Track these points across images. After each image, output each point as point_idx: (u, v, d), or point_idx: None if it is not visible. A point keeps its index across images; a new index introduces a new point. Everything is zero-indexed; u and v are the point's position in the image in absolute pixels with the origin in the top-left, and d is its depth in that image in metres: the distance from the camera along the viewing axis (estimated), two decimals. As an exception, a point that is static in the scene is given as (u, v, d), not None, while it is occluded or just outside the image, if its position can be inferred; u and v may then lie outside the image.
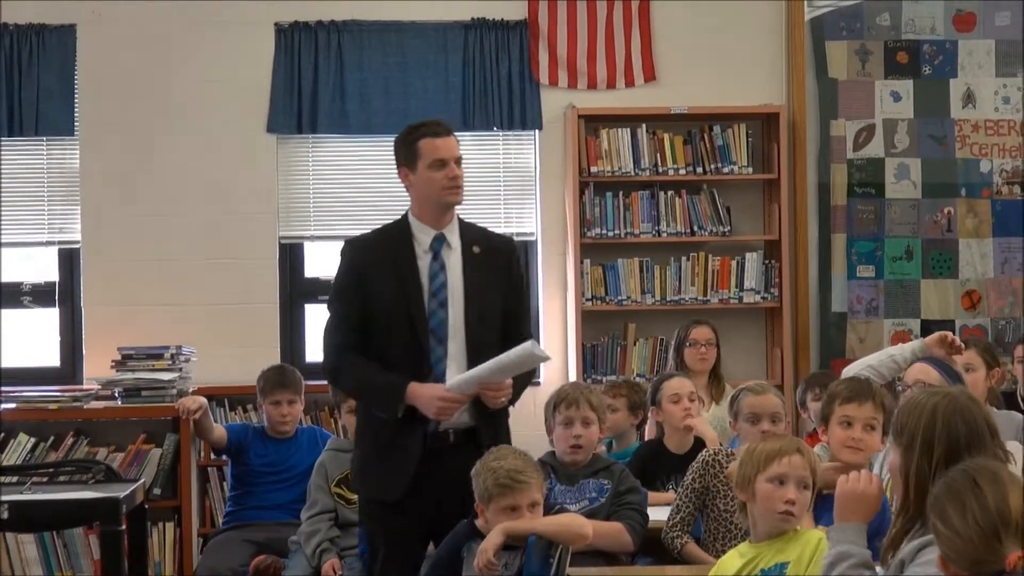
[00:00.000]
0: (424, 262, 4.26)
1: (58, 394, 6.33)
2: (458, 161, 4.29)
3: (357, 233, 4.52)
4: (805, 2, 7.05)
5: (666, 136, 6.90)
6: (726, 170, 6.91)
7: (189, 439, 6.23)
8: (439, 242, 4.29)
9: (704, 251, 6.91)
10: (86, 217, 6.82)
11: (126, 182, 6.82)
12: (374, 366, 4.22)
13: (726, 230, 6.91)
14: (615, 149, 6.86)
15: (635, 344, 6.90)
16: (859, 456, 4.08)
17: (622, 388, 5.68)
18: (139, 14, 6.81)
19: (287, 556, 5.58)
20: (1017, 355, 6.24)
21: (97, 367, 6.58)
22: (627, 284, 6.87)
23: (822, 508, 3.72)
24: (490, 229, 4.51)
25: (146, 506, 5.22)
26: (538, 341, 6.70)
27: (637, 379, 6.48)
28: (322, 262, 6.93)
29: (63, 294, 6.89)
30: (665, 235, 6.87)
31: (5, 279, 6.85)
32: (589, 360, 6.86)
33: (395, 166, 4.36)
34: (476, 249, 4.31)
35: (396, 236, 4.32)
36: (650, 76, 7.03)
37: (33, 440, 6.34)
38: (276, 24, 6.86)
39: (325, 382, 5.24)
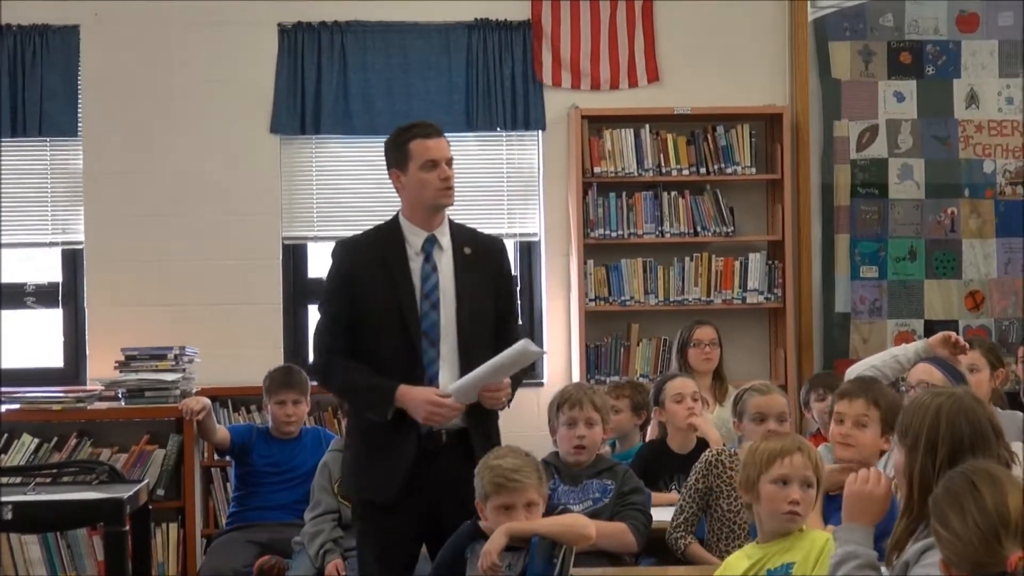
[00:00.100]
0: (416, 264, 4.26)
1: (62, 395, 6.33)
2: (449, 162, 4.29)
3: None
4: (808, 2, 7.04)
5: (669, 137, 6.90)
6: (729, 170, 6.91)
7: (192, 440, 6.23)
8: (431, 244, 4.28)
9: (707, 251, 6.91)
10: (89, 218, 6.82)
11: (129, 183, 6.82)
12: (364, 368, 4.21)
13: (729, 230, 6.91)
14: (618, 150, 6.86)
15: (638, 345, 6.90)
16: (850, 452, 4.10)
17: (625, 389, 5.68)
18: (143, 15, 6.81)
19: (291, 557, 5.58)
20: (1021, 355, 6.23)
21: (101, 368, 6.58)
22: (630, 284, 6.87)
23: (831, 508, 3.72)
24: (479, 230, 4.50)
25: (150, 507, 5.21)
26: (541, 342, 6.74)
27: (640, 379, 6.48)
28: (325, 263, 6.89)
29: (67, 295, 6.89)
30: (668, 236, 6.87)
31: (9, 280, 6.85)
32: (592, 361, 6.86)
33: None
34: (467, 250, 4.30)
35: (387, 238, 4.31)
36: (653, 77, 7.03)
37: (37, 441, 6.34)
38: (279, 25, 6.87)
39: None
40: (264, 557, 5.64)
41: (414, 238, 4.28)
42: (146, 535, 5.21)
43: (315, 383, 5.92)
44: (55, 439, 6.36)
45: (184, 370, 6.37)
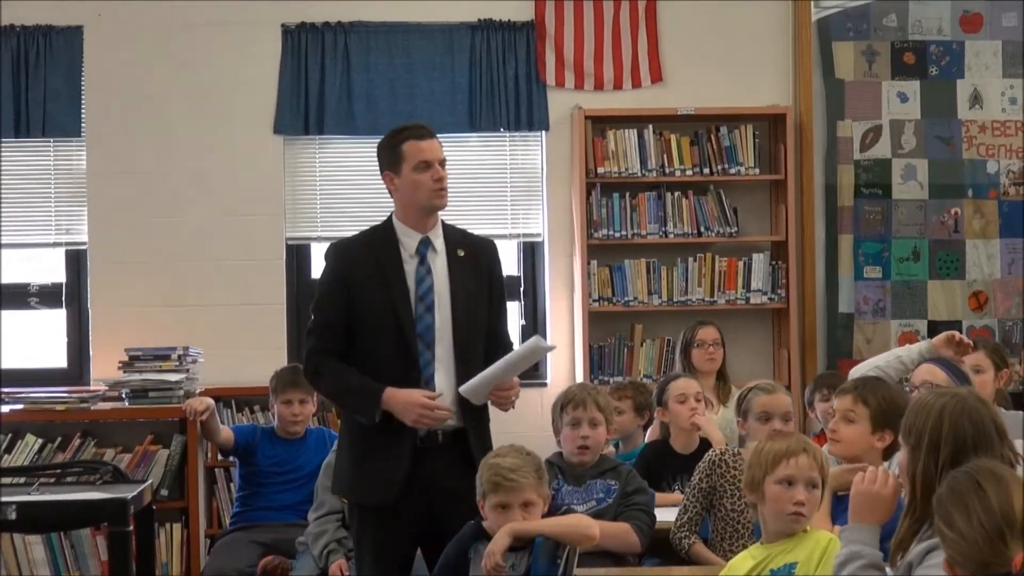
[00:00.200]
0: (411, 266, 4.24)
1: (65, 395, 6.34)
2: (442, 163, 4.28)
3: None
4: (812, 3, 7.05)
5: (673, 137, 6.90)
6: (733, 171, 6.91)
7: (196, 440, 6.23)
8: (425, 246, 4.27)
9: (711, 252, 6.91)
10: (93, 218, 6.83)
11: (133, 183, 6.82)
12: (352, 370, 4.20)
13: (733, 231, 6.90)
14: (622, 150, 6.86)
15: (642, 345, 6.90)
16: (836, 447, 4.12)
17: (627, 390, 5.69)
18: (146, 15, 6.81)
19: (294, 557, 5.58)
20: (1024, 356, 6.23)
21: (104, 368, 6.58)
22: (634, 285, 6.87)
23: (839, 509, 3.72)
24: (474, 231, 4.49)
25: (153, 507, 5.22)
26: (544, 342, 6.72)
27: (644, 380, 6.48)
28: (328, 264, 6.92)
29: (70, 295, 6.90)
30: (672, 236, 6.87)
31: (13, 280, 6.86)
32: (596, 361, 6.86)
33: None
34: (460, 252, 4.30)
35: (381, 240, 4.30)
36: (657, 77, 7.03)
37: (40, 441, 6.34)
38: (283, 25, 6.87)
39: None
40: (268, 557, 5.64)
41: (408, 240, 4.27)
42: (150, 535, 5.22)
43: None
44: (59, 439, 6.36)
45: (188, 370, 6.38)
